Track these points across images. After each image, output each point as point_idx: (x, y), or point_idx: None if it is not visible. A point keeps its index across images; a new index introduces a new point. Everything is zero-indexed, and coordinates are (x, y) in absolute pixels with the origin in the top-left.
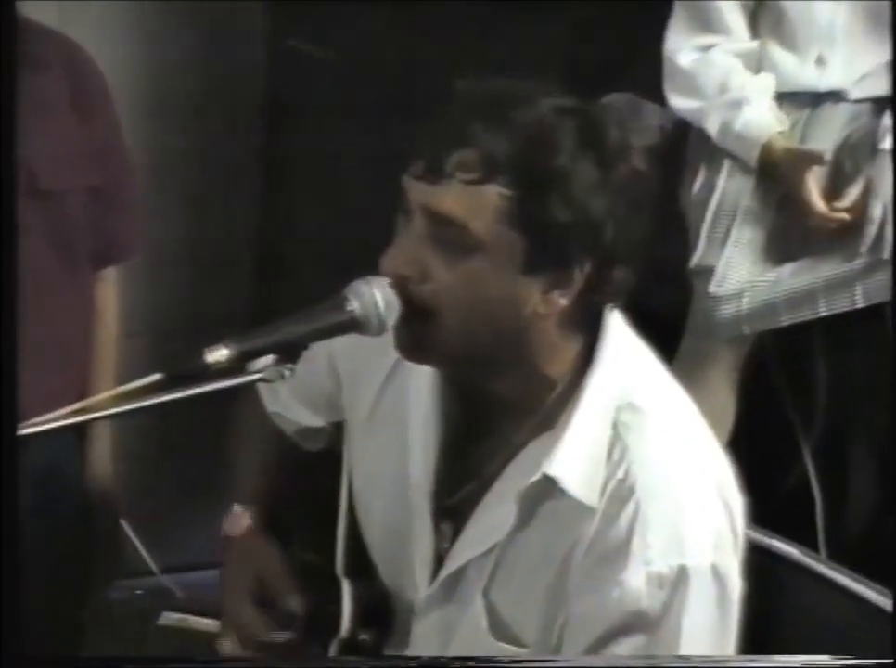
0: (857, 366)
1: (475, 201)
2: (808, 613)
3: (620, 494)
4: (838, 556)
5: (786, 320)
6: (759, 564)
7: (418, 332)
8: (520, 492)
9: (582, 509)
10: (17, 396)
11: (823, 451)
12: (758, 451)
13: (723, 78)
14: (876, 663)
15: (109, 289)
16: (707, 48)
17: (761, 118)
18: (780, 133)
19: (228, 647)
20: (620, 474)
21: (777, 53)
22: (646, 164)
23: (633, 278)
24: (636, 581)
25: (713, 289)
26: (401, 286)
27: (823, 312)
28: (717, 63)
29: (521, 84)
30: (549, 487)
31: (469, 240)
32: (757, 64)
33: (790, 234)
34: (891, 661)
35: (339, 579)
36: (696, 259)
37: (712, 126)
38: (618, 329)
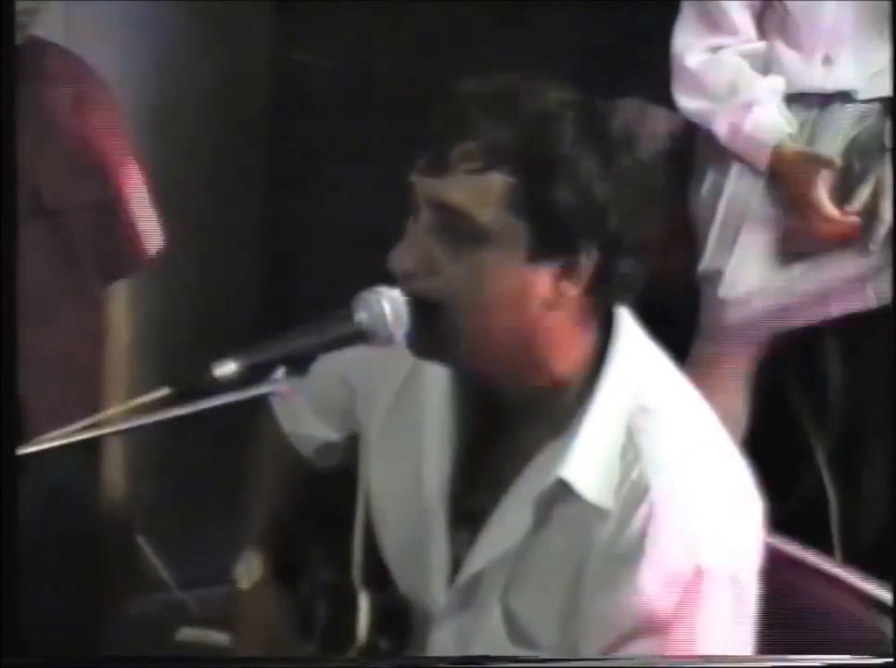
0: (870, 367)
1: (479, 190)
2: (821, 616)
3: (635, 496)
4: (853, 559)
5: (797, 322)
6: (773, 567)
7: (430, 329)
8: (535, 496)
9: (597, 512)
10: (17, 413)
11: (836, 453)
12: (771, 453)
13: (731, 79)
14: (876, 663)
15: (119, 304)
16: (715, 49)
17: (770, 120)
18: (789, 135)
19: None
20: (633, 476)
21: (784, 53)
22: (651, 156)
23: (643, 272)
24: (650, 583)
25: (723, 292)
26: (409, 282)
27: (834, 313)
28: (726, 64)
29: (524, 78)
30: (564, 491)
31: (475, 230)
32: (764, 65)
33: (800, 236)
34: (891, 660)
35: (357, 590)
36: (704, 263)
37: (721, 128)
38: (629, 329)
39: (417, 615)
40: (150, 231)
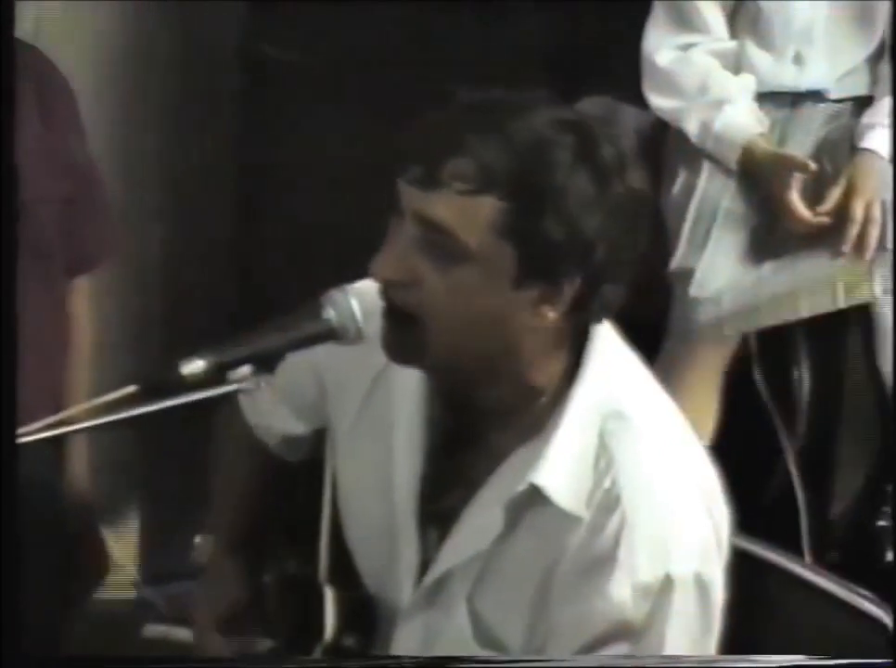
0: (840, 368)
1: (468, 212)
2: (791, 619)
3: (607, 503)
4: (822, 560)
5: (768, 322)
6: (742, 570)
7: (406, 337)
8: (507, 500)
9: (568, 519)
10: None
11: (806, 454)
12: (741, 455)
13: (702, 78)
14: (877, 663)
15: (83, 298)
16: (686, 47)
17: (741, 119)
18: (760, 135)
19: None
20: (606, 484)
21: (755, 52)
22: (643, 183)
23: (623, 295)
24: (622, 591)
25: (694, 291)
26: (391, 290)
27: (804, 313)
28: (697, 63)
29: (519, 94)
30: (535, 496)
31: (460, 250)
32: (735, 64)
33: (771, 235)
34: (891, 661)
35: (322, 586)
36: (675, 261)
37: (692, 127)
38: (606, 339)
39: (383, 613)
40: (115, 228)
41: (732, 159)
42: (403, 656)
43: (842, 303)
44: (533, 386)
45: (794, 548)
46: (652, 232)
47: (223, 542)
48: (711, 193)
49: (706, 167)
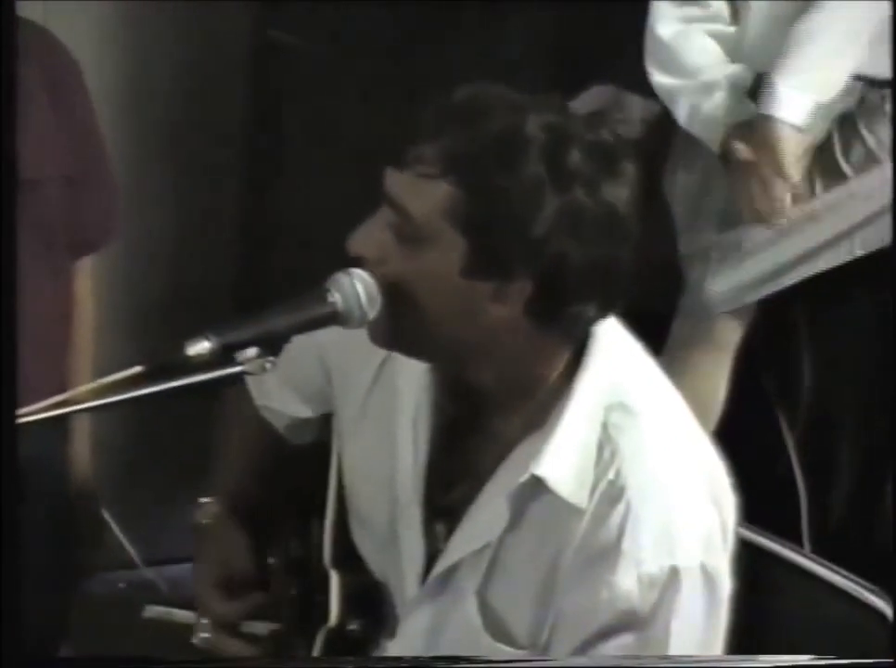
0: (842, 356)
1: (424, 194)
2: (792, 607)
3: (611, 494)
4: (822, 550)
5: (788, 281)
6: (742, 559)
7: (382, 318)
8: (510, 492)
9: (572, 510)
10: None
11: (807, 441)
12: (742, 441)
13: (698, 58)
14: (876, 663)
15: (87, 279)
16: (687, 20)
17: (729, 106)
18: (750, 123)
19: (204, 635)
20: (610, 475)
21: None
22: (629, 207)
23: (596, 316)
24: (627, 582)
25: (712, 266)
26: (362, 266)
27: (822, 267)
28: (695, 42)
29: (514, 93)
30: (538, 487)
31: (415, 232)
32: (736, 51)
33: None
34: (891, 661)
35: (328, 570)
36: (686, 242)
37: (681, 109)
38: (610, 329)
39: (389, 599)
40: (120, 209)
41: (714, 143)
42: (402, 656)
43: (859, 251)
44: (535, 376)
45: (794, 537)
46: (636, 259)
47: (227, 506)
48: (716, 173)
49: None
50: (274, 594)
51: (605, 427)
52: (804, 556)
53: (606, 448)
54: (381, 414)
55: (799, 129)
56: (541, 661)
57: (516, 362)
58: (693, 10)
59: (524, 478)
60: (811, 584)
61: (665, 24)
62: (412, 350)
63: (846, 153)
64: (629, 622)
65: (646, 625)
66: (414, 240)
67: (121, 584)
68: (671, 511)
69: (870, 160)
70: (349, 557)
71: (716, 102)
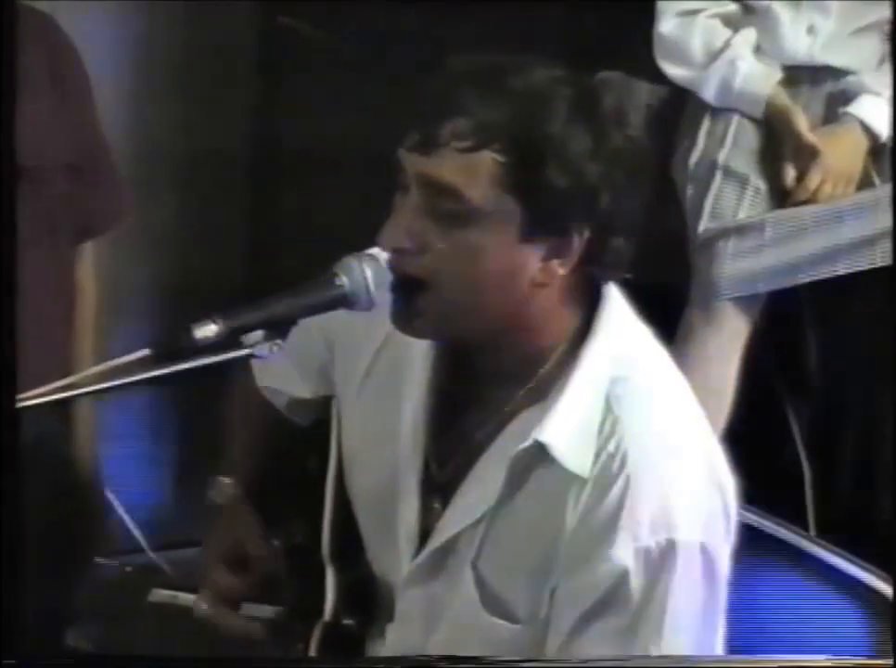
0: (848, 343)
1: (470, 168)
2: (794, 591)
3: (611, 467)
4: (827, 533)
5: (803, 279)
6: (746, 541)
7: (416, 306)
8: (511, 458)
9: (572, 480)
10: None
11: (813, 427)
12: (748, 427)
13: (706, 40)
14: (877, 663)
15: (89, 264)
16: (691, 13)
17: (757, 71)
18: (778, 83)
19: (203, 608)
20: (611, 448)
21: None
22: (642, 133)
23: (632, 249)
24: (625, 556)
25: (731, 250)
26: (399, 259)
27: (842, 270)
28: (697, 27)
29: (515, 56)
30: (540, 455)
31: (466, 209)
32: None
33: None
34: (891, 662)
35: (325, 563)
36: (703, 227)
37: (710, 91)
38: (615, 303)
39: (384, 593)
40: (123, 195)
41: (758, 111)
42: (402, 657)
43: (880, 261)
44: (541, 348)
45: (799, 520)
46: (655, 185)
47: (242, 488)
48: (734, 158)
49: (731, 131)
50: (276, 577)
51: (608, 399)
52: (809, 539)
53: (608, 420)
54: (382, 390)
55: (874, 135)
56: (541, 662)
57: (529, 335)
58: (698, 3)
59: (526, 444)
60: (813, 566)
61: (666, 20)
62: (442, 335)
63: (875, 160)
64: (625, 596)
65: (642, 600)
66: (461, 219)
67: (127, 568)
68: (670, 486)
69: None
70: (347, 550)
71: (745, 73)
